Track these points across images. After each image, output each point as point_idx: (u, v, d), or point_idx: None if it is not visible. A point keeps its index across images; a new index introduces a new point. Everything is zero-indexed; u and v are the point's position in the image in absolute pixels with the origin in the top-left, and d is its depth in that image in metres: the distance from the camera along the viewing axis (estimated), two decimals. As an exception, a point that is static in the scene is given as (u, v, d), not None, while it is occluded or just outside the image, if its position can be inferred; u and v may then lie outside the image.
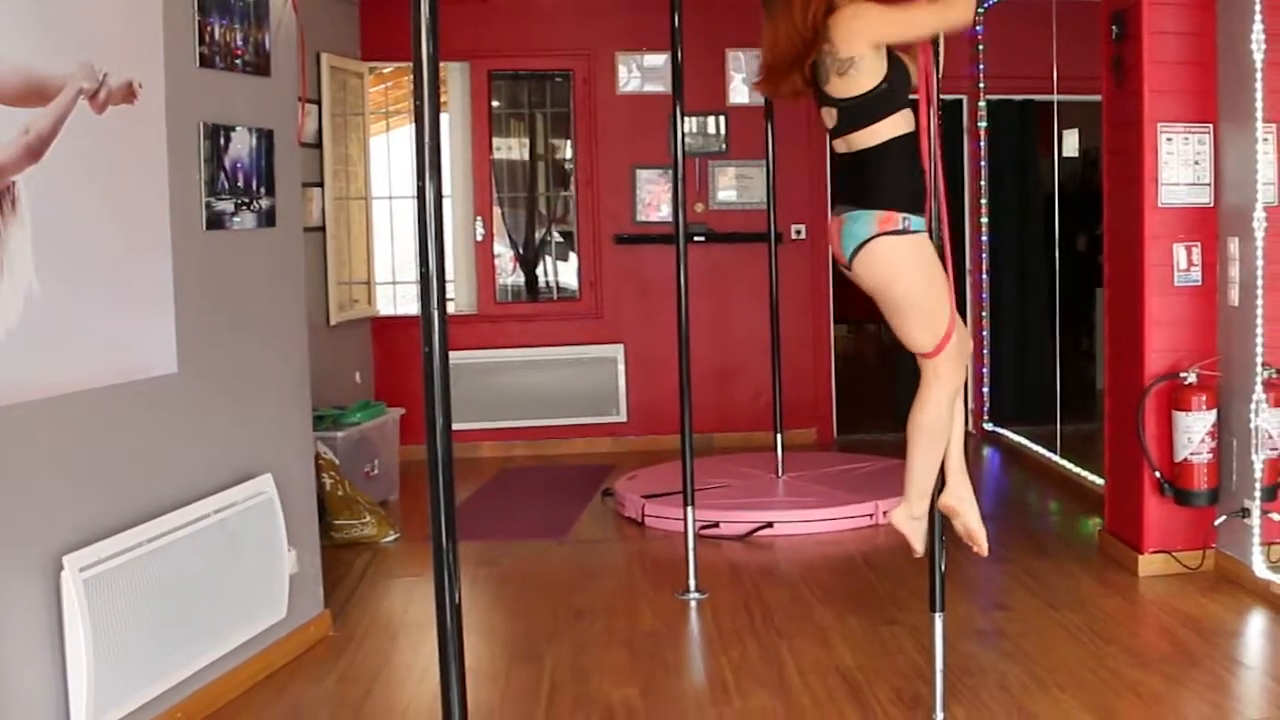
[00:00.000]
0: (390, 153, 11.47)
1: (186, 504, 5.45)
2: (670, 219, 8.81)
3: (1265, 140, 6.89)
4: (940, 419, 5.02)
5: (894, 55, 4.80)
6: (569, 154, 11.72)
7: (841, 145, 4.95)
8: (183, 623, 5.31)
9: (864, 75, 4.72)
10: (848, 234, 4.87)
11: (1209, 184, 7.32)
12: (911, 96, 4.90)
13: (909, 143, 4.85)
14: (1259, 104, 6.85)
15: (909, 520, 5.21)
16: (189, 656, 5.38)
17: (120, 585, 4.91)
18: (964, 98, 11.56)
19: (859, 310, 16.12)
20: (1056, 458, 10.16)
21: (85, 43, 4.91)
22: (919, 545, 5.24)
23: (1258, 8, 6.80)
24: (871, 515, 8.57)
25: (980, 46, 11.27)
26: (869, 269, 4.87)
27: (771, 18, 4.86)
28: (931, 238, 4.90)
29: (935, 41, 4.93)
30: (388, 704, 5.82)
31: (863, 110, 4.80)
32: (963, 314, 11.18)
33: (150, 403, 5.35)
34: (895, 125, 4.81)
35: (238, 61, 5.94)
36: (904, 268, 4.84)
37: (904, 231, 4.79)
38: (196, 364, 5.61)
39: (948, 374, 4.99)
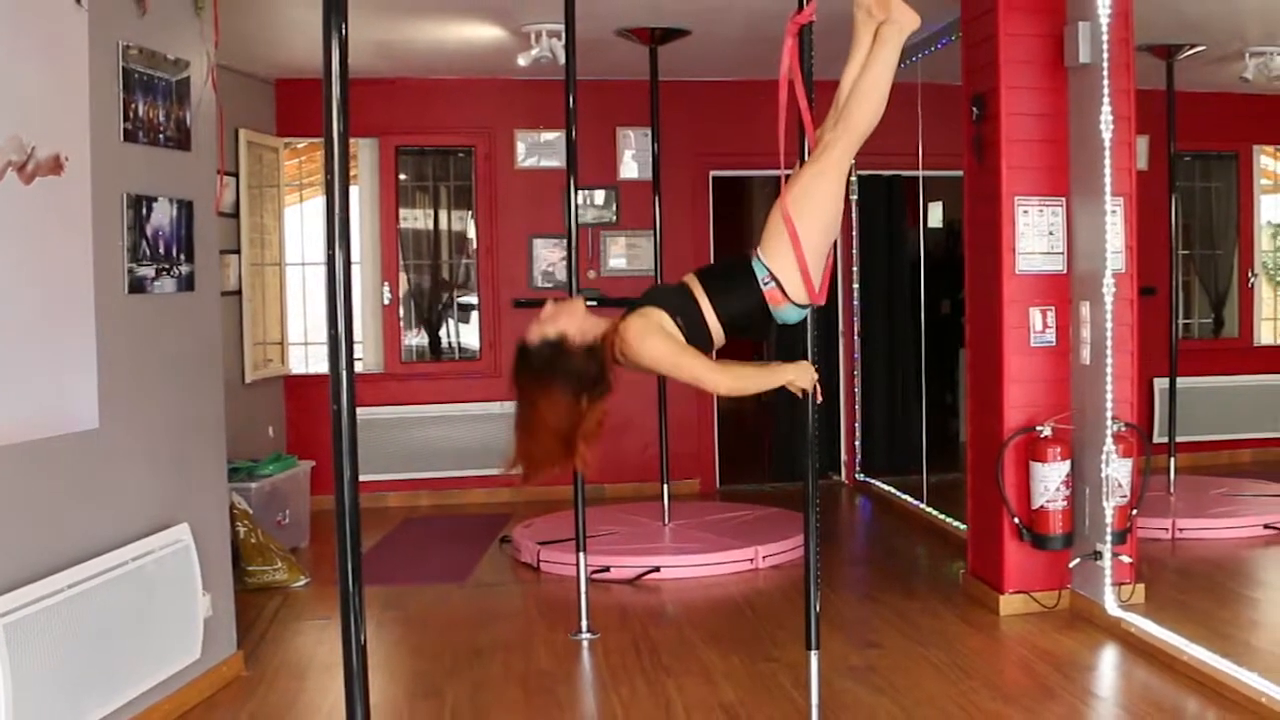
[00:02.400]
0: (303, 222, 11.40)
1: (106, 551, 5.37)
2: (565, 284, 8.82)
3: (1113, 212, 7.04)
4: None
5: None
6: (471, 224, 11.69)
7: None
8: (101, 664, 5.23)
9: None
10: None
11: (1062, 252, 7.44)
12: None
13: None
14: (1108, 179, 7.01)
15: None
16: (106, 696, 5.29)
17: (40, 630, 4.82)
18: (836, 173, 11.60)
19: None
20: (923, 506, 10.26)
21: (14, 118, 4.86)
22: None
23: (1106, 92, 6.97)
24: (751, 560, 8.60)
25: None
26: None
27: (531, 404, 4.56)
28: None
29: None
30: (297, 740, 5.77)
31: None
32: (835, 373, 11.20)
33: (73, 456, 5.29)
34: None
35: (160, 136, 5.91)
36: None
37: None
38: (118, 419, 5.55)
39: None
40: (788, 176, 4.73)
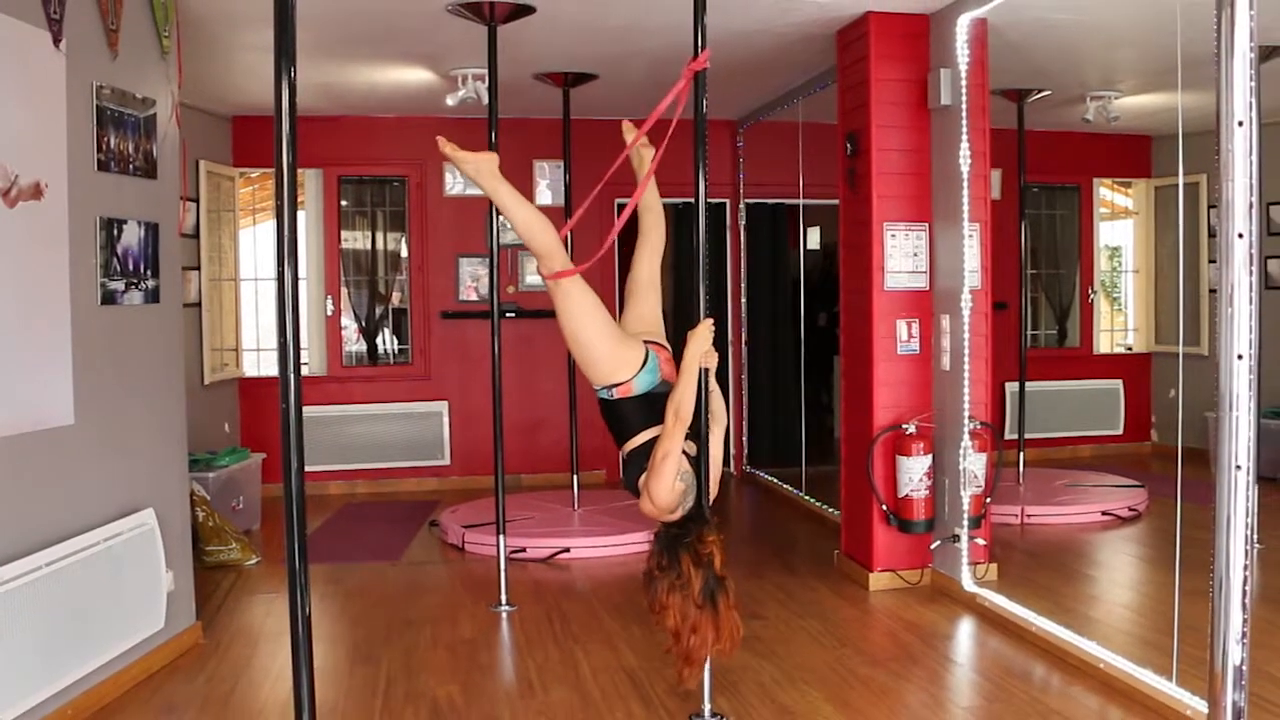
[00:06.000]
0: (256, 242, 11.36)
1: (80, 534, 5.40)
2: (487, 298, 8.86)
3: (970, 237, 7.15)
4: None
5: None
6: (404, 244, 11.71)
7: None
8: (74, 634, 5.25)
9: None
10: None
11: (925, 271, 7.52)
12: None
13: None
14: (965, 207, 7.12)
15: None
16: (81, 661, 5.32)
17: (21, 603, 4.85)
18: (726, 201, 11.76)
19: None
20: (802, 494, 10.35)
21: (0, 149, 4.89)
22: None
23: (964, 131, 7.08)
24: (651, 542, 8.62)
25: (740, 159, 11.53)
26: None
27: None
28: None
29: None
30: (249, 699, 5.77)
31: None
32: (725, 379, 11.22)
33: (50, 449, 5.30)
34: None
35: (130, 166, 5.91)
36: None
37: None
38: (91, 417, 5.57)
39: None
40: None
